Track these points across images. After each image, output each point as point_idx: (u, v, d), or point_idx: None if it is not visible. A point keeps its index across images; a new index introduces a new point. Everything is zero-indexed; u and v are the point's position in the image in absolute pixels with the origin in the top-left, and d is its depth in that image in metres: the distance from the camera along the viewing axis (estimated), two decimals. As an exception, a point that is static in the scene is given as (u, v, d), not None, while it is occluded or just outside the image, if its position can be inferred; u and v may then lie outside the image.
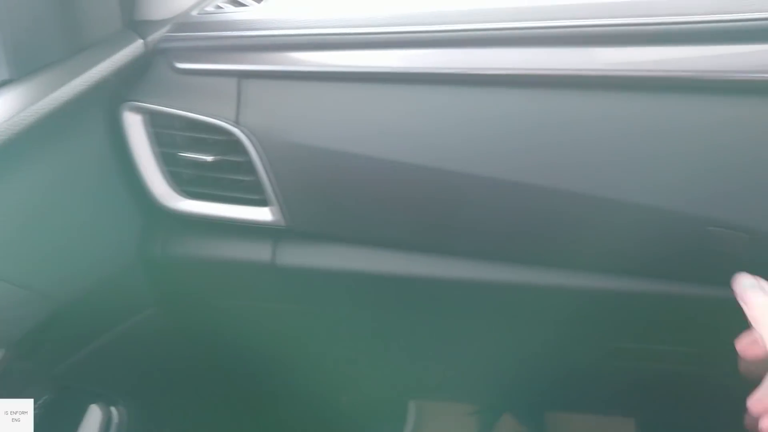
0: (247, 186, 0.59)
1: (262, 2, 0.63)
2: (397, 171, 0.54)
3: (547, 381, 0.88)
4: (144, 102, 0.58)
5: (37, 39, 0.49)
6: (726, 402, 0.83)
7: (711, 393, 0.80)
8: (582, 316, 0.63)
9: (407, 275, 0.62)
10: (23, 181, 0.50)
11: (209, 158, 0.58)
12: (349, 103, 0.54)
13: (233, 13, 0.60)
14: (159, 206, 0.63)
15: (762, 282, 0.43)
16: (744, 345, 0.42)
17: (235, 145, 0.57)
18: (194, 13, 0.61)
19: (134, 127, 0.59)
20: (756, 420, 0.38)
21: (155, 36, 0.58)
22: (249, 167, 0.58)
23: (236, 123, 0.56)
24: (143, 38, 0.57)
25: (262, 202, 0.60)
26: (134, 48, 0.56)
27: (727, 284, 0.43)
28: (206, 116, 0.57)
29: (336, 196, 0.57)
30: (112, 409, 0.74)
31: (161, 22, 0.59)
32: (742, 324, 0.42)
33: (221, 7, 0.62)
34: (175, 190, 0.62)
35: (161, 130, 0.60)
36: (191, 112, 0.57)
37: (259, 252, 0.63)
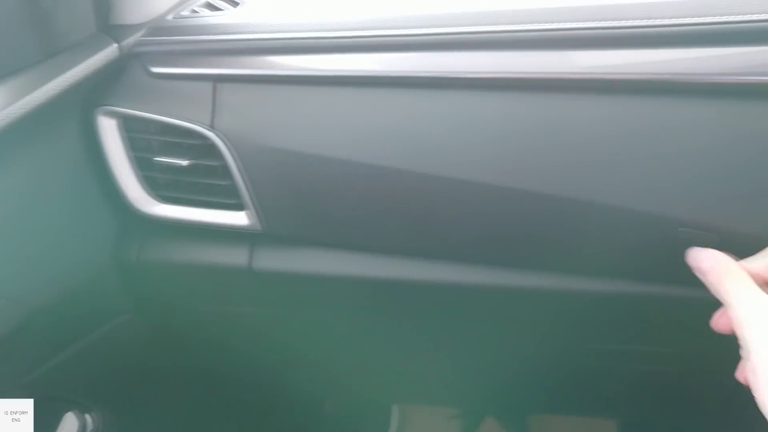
0: (222, 190, 0.59)
1: (238, 6, 0.63)
2: (373, 174, 0.54)
3: (530, 384, 0.88)
4: (118, 106, 0.58)
5: (9, 43, 0.49)
6: (706, 400, 0.84)
7: (691, 392, 0.81)
8: (562, 318, 0.63)
9: (385, 279, 0.62)
10: (-6, 186, 0.50)
11: (184, 162, 0.58)
12: (324, 106, 0.54)
13: (209, 17, 0.60)
14: (134, 211, 0.62)
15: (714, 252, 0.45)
16: (715, 319, 0.44)
17: (211, 150, 0.57)
18: (170, 17, 0.61)
19: (109, 131, 0.59)
20: None
21: (130, 40, 0.58)
22: (224, 171, 0.58)
23: (211, 127, 0.56)
24: (118, 42, 0.57)
25: (238, 207, 0.60)
26: (109, 52, 0.56)
27: (698, 284, 0.44)
28: (181, 120, 0.56)
29: (312, 199, 0.57)
30: (87, 416, 0.73)
31: (136, 27, 0.59)
32: None
33: (197, 12, 0.62)
34: (150, 194, 0.62)
35: (136, 135, 0.59)
36: (166, 117, 0.57)
37: (236, 256, 0.63)
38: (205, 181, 0.60)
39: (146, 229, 0.65)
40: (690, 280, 0.45)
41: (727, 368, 0.43)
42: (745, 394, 0.39)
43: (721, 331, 0.43)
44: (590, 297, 0.58)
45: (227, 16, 0.60)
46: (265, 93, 0.55)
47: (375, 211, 0.57)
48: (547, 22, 0.50)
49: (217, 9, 0.63)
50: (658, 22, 0.47)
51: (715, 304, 0.43)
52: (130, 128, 0.59)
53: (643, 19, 0.48)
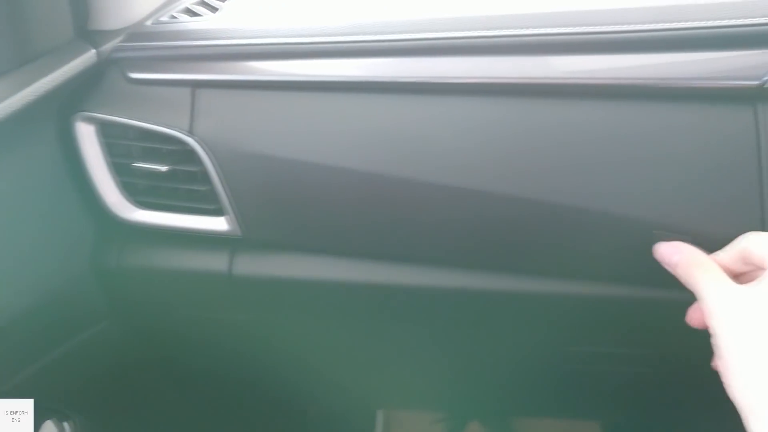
0: (202, 196, 0.59)
1: (217, 12, 0.63)
2: (352, 179, 0.54)
3: (513, 386, 0.88)
4: (97, 112, 0.57)
5: (-15, 48, 0.48)
6: (687, 400, 0.85)
7: (672, 393, 0.82)
8: (543, 321, 0.64)
9: (367, 283, 0.62)
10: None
11: (163, 168, 0.58)
12: (303, 112, 0.54)
13: (188, 23, 0.60)
14: (113, 217, 0.62)
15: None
16: (689, 314, 0.45)
17: (190, 155, 0.57)
18: (148, 23, 0.61)
19: (87, 137, 0.58)
20: None
21: (108, 46, 0.57)
22: (203, 177, 0.58)
23: (190, 132, 0.56)
24: (96, 48, 0.56)
25: (218, 212, 0.60)
26: (86, 58, 0.55)
27: (677, 286, 0.45)
28: (160, 126, 0.56)
29: (291, 205, 0.57)
30: (66, 424, 0.72)
31: (115, 32, 0.59)
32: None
33: (176, 17, 0.62)
34: (129, 200, 0.62)
35: (114, 141, 0.59)
36: (144, 122, 0.56)
37: (216, 262, 0.63)
38: (185, 186, 0.60)
39: (125, 235, 0.65)
40: (668, 282, 0.45)
41: (706, 368, 0.43)
42: (725, 392, 0.39)
43: (695, 326, 0.44)
44: (571, 300, 0.58)
45: (206, 22, 0.60)
46: (244, 98, 0.55)
47: (354, 215, 0.57)
48: (523, 28, 0.50)
49: (196, 15, 0.63)
50: (634, 27, 0.48)
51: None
52: (109, 134, 0.59)
53: (619, 24, 0.49)
